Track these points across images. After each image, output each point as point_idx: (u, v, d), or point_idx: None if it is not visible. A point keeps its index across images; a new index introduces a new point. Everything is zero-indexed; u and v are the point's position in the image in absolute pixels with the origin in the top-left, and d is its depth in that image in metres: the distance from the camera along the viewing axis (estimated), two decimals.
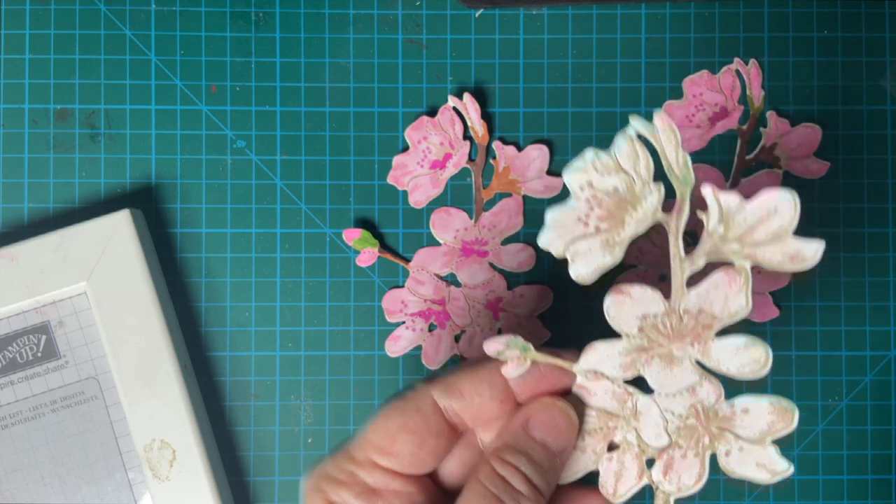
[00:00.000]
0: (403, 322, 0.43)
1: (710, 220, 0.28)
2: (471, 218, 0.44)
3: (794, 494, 0.43)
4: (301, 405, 0.43)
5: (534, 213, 0.44)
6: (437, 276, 0.43)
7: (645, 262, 0.43)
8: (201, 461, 0.40)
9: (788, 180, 0.43)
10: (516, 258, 0.43)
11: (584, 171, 0.28)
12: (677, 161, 0.28)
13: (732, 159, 0.43)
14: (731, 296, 0.28)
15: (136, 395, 0.41)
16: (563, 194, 0.43)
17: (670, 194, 0.28)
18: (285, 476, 0.43)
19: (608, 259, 0.29)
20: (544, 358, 0.30)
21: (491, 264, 0.43)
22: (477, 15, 0.44)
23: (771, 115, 0.43)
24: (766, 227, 0.27)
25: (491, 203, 0.44)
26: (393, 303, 0.43)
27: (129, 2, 0.44)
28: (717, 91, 0.43)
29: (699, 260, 0.28)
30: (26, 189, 0.43)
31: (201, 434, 0.41)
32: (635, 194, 0.28)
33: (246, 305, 0.43)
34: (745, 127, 0.43)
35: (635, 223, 0.29)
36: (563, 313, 0.44)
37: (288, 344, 0.43)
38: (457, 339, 0.43)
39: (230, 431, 0.43)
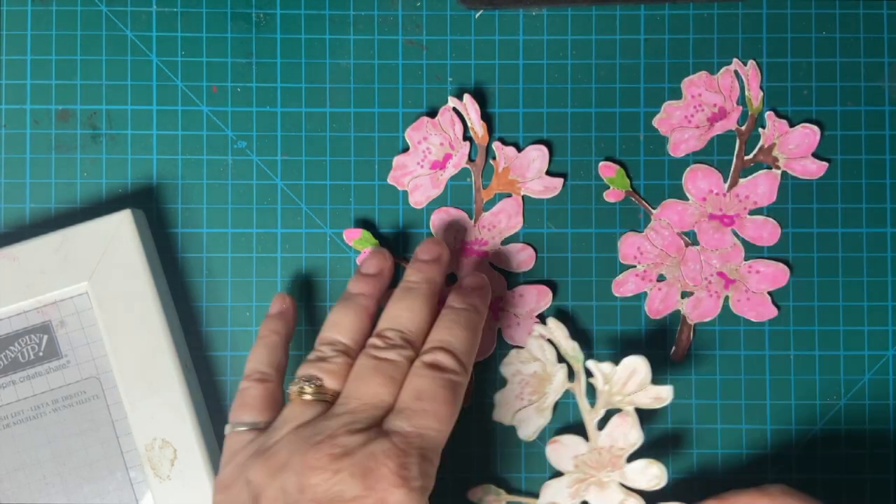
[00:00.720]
0: None
1: (598, 383, 0.40)
2: (471, 218, 0.44)
3: None
4: None
5: (533, 213, 0.44)
6: None
7: (644, 261, 0.43)
8: (202, 460, 0.41)
9: (787, 180, 0.43)
10: (516, 258, 0.44)
11: (512, 364, 0.42)
12: (568, 346, 0.41)
13: (731, 160, 0.44)
14: (627, 431, 0.40)
15: (138, 395, 0.41)
16: (562, 195, 0.44)
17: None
18: None
19: (542, 420, 0.42)
20: (514, 498, 0.43)
21: (491, 264, 0.44)
22: (477, 16, 0.44)
23: (769, 116, 0.43)
24: (633, 382, 0.40)
25: (491, 203, 0.44)
26: None
27: (131, 3, 0.44)
28: (715, 92, 0.43)
29: (600, 410, 0.40)
30: (28, 189, 0.44)
31: (202, 433, 0.41)
32: (548, 373, 0.41)
33: (247, 305, 0.43)
34: (743, 127, 0.43)
35: (553, 392, 0.41)
36: (564, 312, 0.44)
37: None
38: None
39: None
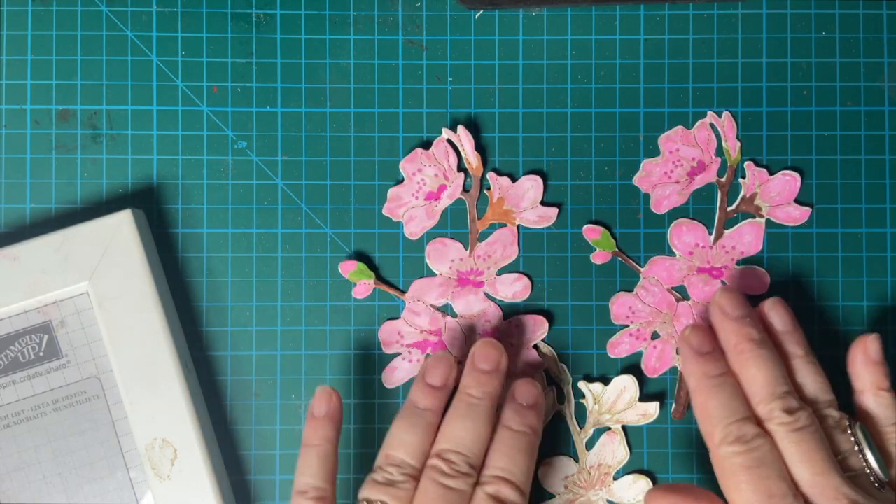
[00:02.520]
0: (400, 353, 0.44)
1: (589, 403, 0.43)
2: (466, 248, 0.44)
3: None
4: (302, 404, 0.44)
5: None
6: (432, 306, 0.43)
7: (637, 320, 0.43)
8: (202, 460, 0.41)
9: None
10: (511, 288, 0.44)
11: None
12: (558, 369, 0.43)
13: (714, 212, 0.44)
14: (615, 449, 0.43)
15: (138, 395, 0.41)
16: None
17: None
18: (286, 475, 0.43)
19: None
20: None
21: (486, 294, 0.44)
22: (477, 16, 0.44)
23: (749, 166, 0.43)
24: (623, 400, 0.43)
25: (486, 234, 0.44)
26: (389, 334, 0.43)
27: (131, 3, 0.44)
28: (692, 145, 0.43)
29: (589, 430, 0.43)
30: (28, 189, 0.44)
31: (202, 433, 0.41)
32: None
33: (247, 305, 0.43)
34: (723, 179, 0.43)
35: (544, 416, 0.42)
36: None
37: (289, 343, 0.44)
38: None
39: (231, 430, 0.43)
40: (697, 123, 0.43)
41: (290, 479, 0.43)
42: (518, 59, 0.44)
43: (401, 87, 0.44)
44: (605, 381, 0.43)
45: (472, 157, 0.43)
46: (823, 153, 0.44)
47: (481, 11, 0.44)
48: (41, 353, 0.41)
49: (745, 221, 0.43)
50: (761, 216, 0.43)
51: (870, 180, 0.44)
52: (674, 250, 0.43)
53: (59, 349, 0.41)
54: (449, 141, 0.43)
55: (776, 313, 0.40)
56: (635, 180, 0.43)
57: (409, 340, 0.43)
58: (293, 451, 0.43)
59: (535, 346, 0.43)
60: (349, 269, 0.43)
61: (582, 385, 0.43)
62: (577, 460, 0.43)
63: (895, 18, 0.44)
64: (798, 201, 0.43)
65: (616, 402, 0.43)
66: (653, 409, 0.43)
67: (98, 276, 0.41)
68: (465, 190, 0.44)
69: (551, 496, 0.43)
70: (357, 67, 0.44)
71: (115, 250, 0.41)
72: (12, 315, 0.41)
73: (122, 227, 0.41)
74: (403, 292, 0.43)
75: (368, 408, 0.44)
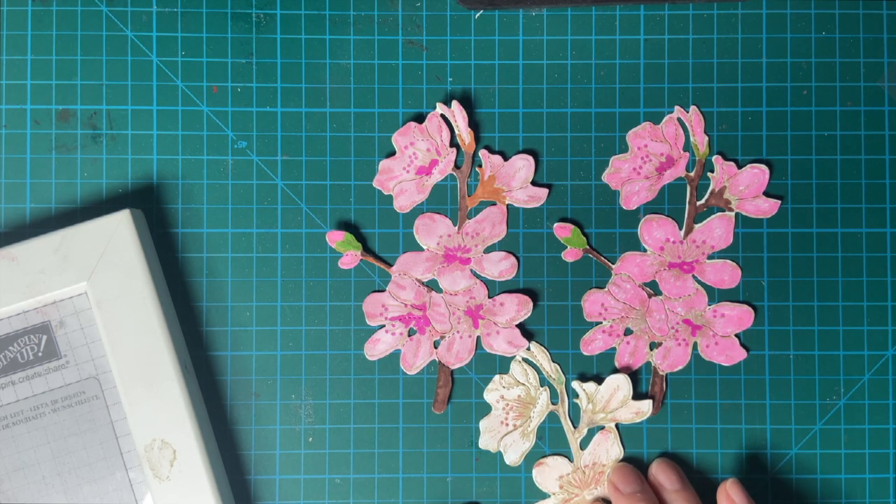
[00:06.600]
0: (383, 326, 0.44)
1: (583, 403, 0.43)
2: (454, 225, 0.44)
3: (792, 493, 0.43)
4: (301, 404, 0.43)
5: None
6: (418, 281, 0.43)
7: (609, 317, 0.43)
8: (202, 460, 0.41)
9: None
10: (498, 267, 0.44)
11: (496, 390, 0.43)
12: (551, 369, 0.43)
13: (684, 207, 0.44)
14: (609, 448, 0.43)
15: (137, 395, 0.41)
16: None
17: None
18: (286, 475, 0.43)
19: (527, 444, 0.43)
20: None
21: (473, 272, 0.44)
22: (476, 16, 0.44)
23: (717, 160, 0.43)
24: (616, 398, 0.43)
25: (475, 211, 0.44)
26: (373, 306, 0.43)
27: (131, 3, 0.44)
28: (661, 141, 0.43)
29: (584, 429, 0.43)
30: (28, 189, 0.44)
31: (202, 433, 0.41)
32: (532, 396, 0.43)
33: (247, 305, 0.43)
34: (692, 174, 0.44)
35: (537, 416, 0.43)
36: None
37: (288, 343, 0.43)
38: (436, 344, 0.43)
39: (231, 430, 0.43)
40: (665, 118, 0.44)
41: (290, 479, 0.43)
42: (518, 59, 0.44)
43: (401, 87, 0.44)
44: (599, 380, 0.43)
45: (464, 134, 0.43)
46: (823, 153, 0.44)
47: (481, 11, 0.44)
48: (40, 354, 0.41)
49: (714, 215, 0.43)
50: (731, 209, 0.43)
51: (869, 180, 0.44)
52: (645, 246, 0.44)
53: (57, 349, 0.41)
54: (442, 116, 0.43)
55: (664, 475, 0.42)
56: (604, 177, 0.43)
57: (393, 314, 0.43)
58: (293, 451, 0.43)
59: (529, 348, 0.43)
60: (336, 238, 0.43)
61: (575, 384, 0.43)
62: (571, 460, 0.43)
63: (895, 18, 0.44)
64: (768, 194, 0.44)
65: (610, 401, 0.43)
66: (646, 407, 0.43)
67: (96, 277, 0.41)
68: (457, 166, 0.44)
69: (546, 496, 0.43)
70: (357, 67, 0.44)
71: (113, 250, 0.41)
72: (11, 315, 0.41)
73: (120, 227, 0.41)
74: (390, 266, 0.43)
75: (368, 407, 0.44)
